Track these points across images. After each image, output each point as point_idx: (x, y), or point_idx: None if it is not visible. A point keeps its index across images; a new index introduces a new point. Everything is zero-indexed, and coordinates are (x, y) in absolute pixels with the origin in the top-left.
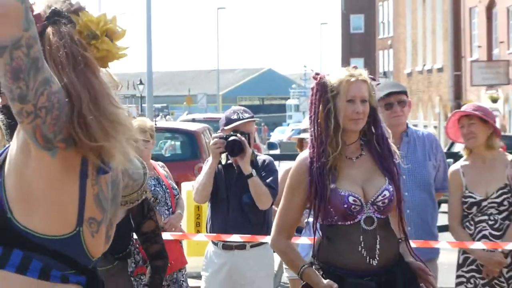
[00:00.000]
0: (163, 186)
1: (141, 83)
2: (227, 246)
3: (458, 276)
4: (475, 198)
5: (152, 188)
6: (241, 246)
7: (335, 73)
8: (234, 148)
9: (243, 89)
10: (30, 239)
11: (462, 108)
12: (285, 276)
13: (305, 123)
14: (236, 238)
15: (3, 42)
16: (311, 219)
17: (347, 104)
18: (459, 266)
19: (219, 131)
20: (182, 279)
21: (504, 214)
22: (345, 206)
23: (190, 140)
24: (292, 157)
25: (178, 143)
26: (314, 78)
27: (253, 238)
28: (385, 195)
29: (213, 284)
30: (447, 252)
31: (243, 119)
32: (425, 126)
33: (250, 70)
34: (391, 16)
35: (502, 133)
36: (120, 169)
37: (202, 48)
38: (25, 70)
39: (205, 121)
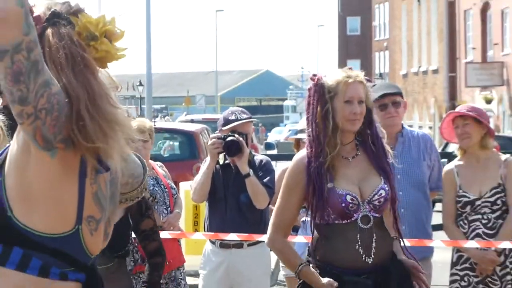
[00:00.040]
0: (162, 186)
1: (140, 84)
2: (224, 245)
3: (452, 274)
4: (469, 198)
5: (151, 188)
6: (239, 245)
7: (332, 75)
8: (232, 148)
9: (241, 90)
10: (30, 237)
11: (457, 109)
12: (282, 274)
13: (302, 123)
14: (233, 237)
15: (4, 46)
16: (307, 218)
17: (344, 105)
18: (453, 264)
19: (217, 131)
20: (180, 277)
21: (497, 213)
22: (343, 205)
23: (189, 140)
24: (289, 157)
25: (176, 143)
26: (312, 79)
27: (250, 237)
28: (381, 194)
29: (210, 282)
30: (441, 250)
31: (241, 119)
32: (420, 127)
33: (248, 72)
34: (387, 18)
35: (496, 134)
36: (119, 168)
37: (201, 50)
38: (25, 73)
39: (203, 121)
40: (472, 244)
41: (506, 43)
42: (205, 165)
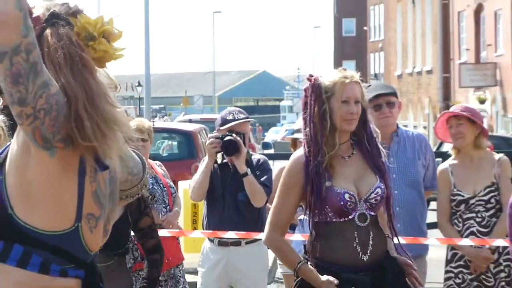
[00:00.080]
0: (161, 185)
1: (139, 85)
2: (222, 243)
3: (446, 272)
4: (463, 196)
5: (150, 187)
6: (236, 243)
7: (329, 75)
8: (229, 148)
9: (239, 91)
10: (30, 234)
11: (451, 109)
12: (279, 272)
13: (299, 123)
14: (231, 235)
15: (3, 48)
16: (303, 216)
17: (341, 105)
18: (448, 261)
19: (215, 131)
20: (179, 275)
21: (491, 211)
22: (341, 203)
23: (187, 140)
24: (286, 157)
25: (175, 143)
26: (309, 79)
27: (248, 235)
28: (377, 192)
29: (209, 279)
30: (436, 248)
31: (238, 119)
32: (415, 127)
33: (245, 72)
34: (382, 20)
35: (490, 133)
36: (118, 166)
37: (199, 50)
38: (24, 75)
39: (201, 121)
40: (466, 242)
41: (500, 44)
42: (203, 164)
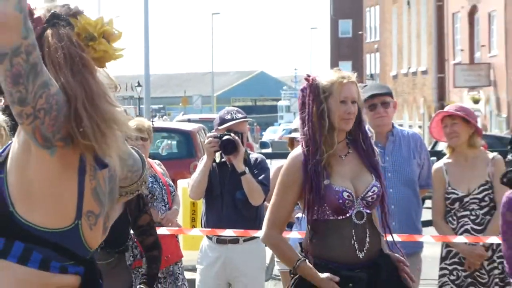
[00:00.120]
0: (160, 183)
1: (139, 85)
2: (221, 240)
3: (441, 269)
4: (457, 194)
5: (150, 185)
6: (235, 240)
7: (326, 75)
8: (228, 147)
9: (237, 91)
10: (31, 232)
11: (445, 109)
12: (277, 269)
13: (296, 123)
14: (229, 232)
15: (3, 49)
16: (301, 214)
17: (340, 105)
18: (442, 259)
19: (213, 130)
20: (178, 272)
21: (485, 209)
22: (340, 201)
23: (186, 139)
24: (284, 156)
25: (174, 142)
26: (306, 80)
27: (246, 232)
28: (374, 191)
29: (207, 276)
30: (430, 245)
31: (236, 119)
32: (410, 126)
33: (243, 73)
34: (378, 21)
35: (484, 133)
36: (118, 164)
37: (198, 51)
38: (24, 75)
39: (200, 121)
40: (460, 239)
41: (493, 45)
42: (202, 163)
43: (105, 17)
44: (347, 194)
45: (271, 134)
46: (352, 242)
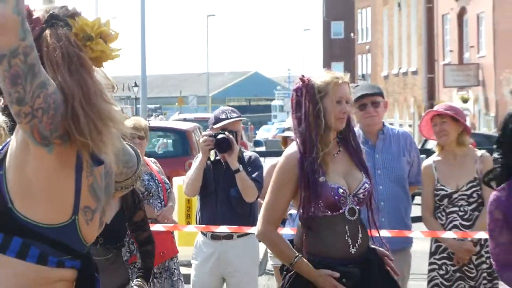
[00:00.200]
0: (156, 181)
1: (135, 85)
2: (215, 236)
3: (430, 263)
4: (446, 191)
5: (146, 183)
6: (229, 236)
7: (319, 76)
8: (222, 145)
9: (231, 91)
10: (29, 227)
11: (435, 108)
12: (270, 264)
13: (289, 122)
14: (224, 229)
15: (1, 51)
16: (294, 211)
17: (335, 105)
18: (432, 254)
19: (208, 129)
20: (174, 267)
21: (473, 205)
22: (336, 197)
23: (181, 138)
24: (277, 154)
25: (170, 141)
26: (302, 80)
27: (239, 229)
28: (365, 187)
29: (202, 271)
30: (420, 241)
31: (231, 118)
32: (401, 125)
33: (237, 73)
34: (369, 23)
35: (472, 131)
36: (113, 161)
37: (193, 52)
38: (22, 76)
39: (195, 120)
40: (449, 234)
41: (482, 46)
42: (197, 161)
43: (102, 18)
44: (342, 190)
45: (265, 133)
46: (346, 238)
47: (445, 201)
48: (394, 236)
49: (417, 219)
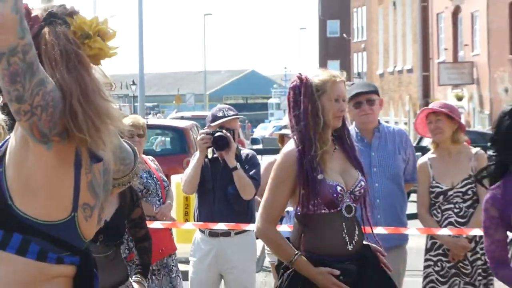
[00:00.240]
0: (154, 179)
1: (133, 83)
2: (213, 234)
3: (426, 260)
4: (441, 188)
5: (144, 181)
6: (226, 233)
7: (317, 74)
8: (219, 143)
9: (228, 89)
10: (29, 224)
11: (430, 106)
12: (267, 261)
13: (286, 120)
14: (221, 226)
15: (0, 49)
16: (290, 208)
17: (333, 103)
18: (427, 250)
19: (206, 127)
20: (172, 264)
21: (469, 202)
22: (334, 195)
23: (179, 136)
24: (274, 152)
25: (168, 139)
26: (300, 78)
27: (237, 226)
28: (361, 185)
29: (200, 268)
30: (416, 237)
31: (228, 116)
32: (396, 123)
33: (234, 72)
34: (365, 21)
35: (467, 129)
36: (111, 158)
37: (190, 51)
38: (21, 74)
39: (193, 118)
40: (445, 231)
41: (476, 44)
42: (194, 159)
43: (100, 17)
44: (340, 188)
45: (262, 130)
46: (343, 235)
47: (441, 198)
48: (390, 233)
49: (412, 216)
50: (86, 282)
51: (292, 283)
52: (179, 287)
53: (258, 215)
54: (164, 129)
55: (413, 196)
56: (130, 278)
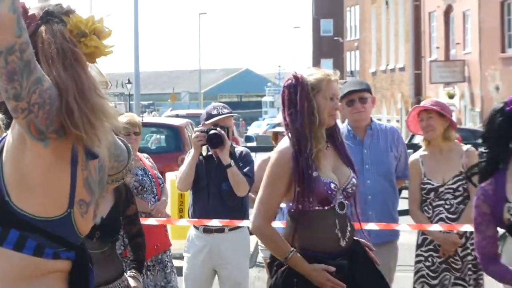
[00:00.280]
0: (150, 176)
1: (129, 82)
2: (207, 230)
3: (417, 255)
4: (432, 185)
5: (140, 178)
6: (220, 230)
7: (311, 73)
8: (214, 141)
9: (223, 87)
10: (26, 220)
11: (422, 104)
12: (261, 257)
13: (279, 118)
14: (215, 222)
15: None
16: (283, 205)
17: (329, 102)
18: (418, 246)
19: (200, 125)
20: (167, 260)
21: (459, 199)
22: (329, 192)
23: (174, 134)
24: (268, 149)
25: (163, 136)
26: (296, 77)
27: (231, 222)
28: (353, 182)
29: (194, 264)
30: (407, 233)
31: (222, 114)
32: (388, 121)
33: (229, 70)
34: (358, 20)
35: (458, 126)
36: (106, 154)
37: (185, 50)
38: (19, 72)
39: (187, 116)
40: (436, 227)
41: (468, 43)
42: (189, 157)
43: (96, 16)
44: (334, 185)
45: (256, 128)
46: (336, 232)
47: (432, 194)
48: (381, 229)
49: (404, 213)
50: (82, 277)
51: (286, 280)
52: (174, 282)
53: (253, 212)
54: (159, 127)
55: (405, 193)
56: (125, 274)
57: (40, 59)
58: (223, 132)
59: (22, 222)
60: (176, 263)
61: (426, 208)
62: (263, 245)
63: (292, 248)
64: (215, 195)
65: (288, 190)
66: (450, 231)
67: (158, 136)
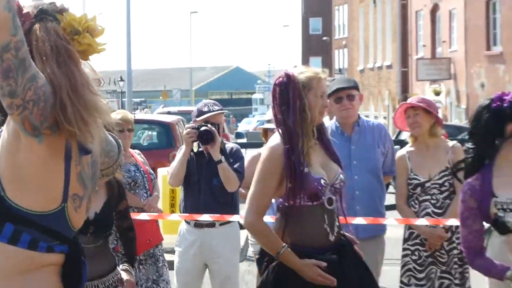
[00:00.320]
0: (141, 171)
1: (121, 79)
2: (198, 224)
3: (404, 249)
4: (419, 180)
5: (132, 174)
6: (211, 224)
7: (301, 71)
8: (205, 137)
9: (214, 85)
10: (21, 214)
11: (408, 101)
12: (251, 251)
13: (269, 114)
14: (206, 217)
15: None
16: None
17: (319, 99)
18: (405, 240)
19: (191, 122)
20: (159, 254)
21: (445, 194)
22: (319, 188)
23: (166, 130)
24: (258, 145)
25: (154, 133)
26: (287, 75)
27: (221, 217)
28: (341, 178)
29: (185, 258)
30: (394, 228)
31: (213, 111)
32: (376, 117)
33: (219, 68)
34: (346, 19)
35: (444, 123)
36: (99, 150)
37: (177, 48)
38: (14, 70)
39: (179, 113)
40: (422, 221)
41: (453, 41)
42: (180, 153)
43: (89, 14)
44: (324, 181)
45: (246, 125)
46: (325, 227)
47: (418, 189)
48: (369, 223)
49: (391, 207)
50: (75, 270)
51: (277, 276)
52: (165, 276)
53: (245, 207)
54: (151, 123)
55: (392, 188)
56: (118, 267)
57: (34, 56)
58: (213, 128)
59: (17, 217)
60: (167, 257)
61: (412, 203)
62: (253, 240)
63: (284, 244)
64: (206, 190)
65: (280, 185)
66: (436, 225)
67: (150, 132)
